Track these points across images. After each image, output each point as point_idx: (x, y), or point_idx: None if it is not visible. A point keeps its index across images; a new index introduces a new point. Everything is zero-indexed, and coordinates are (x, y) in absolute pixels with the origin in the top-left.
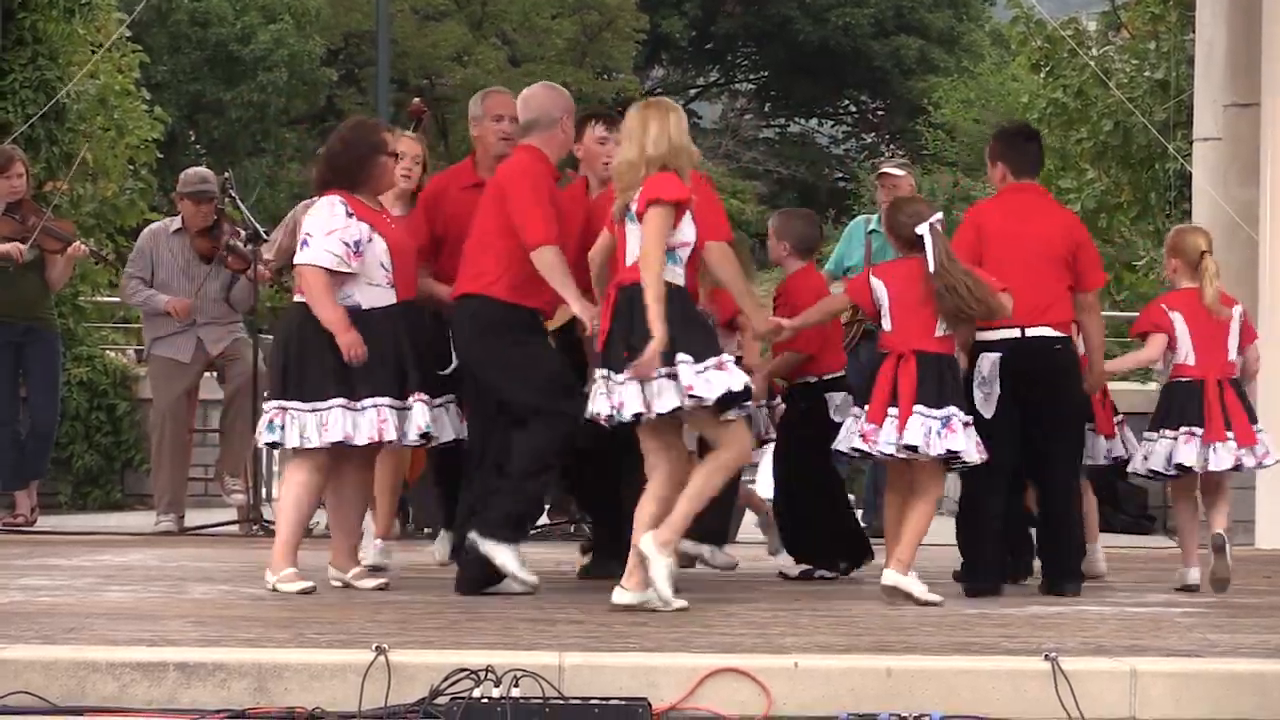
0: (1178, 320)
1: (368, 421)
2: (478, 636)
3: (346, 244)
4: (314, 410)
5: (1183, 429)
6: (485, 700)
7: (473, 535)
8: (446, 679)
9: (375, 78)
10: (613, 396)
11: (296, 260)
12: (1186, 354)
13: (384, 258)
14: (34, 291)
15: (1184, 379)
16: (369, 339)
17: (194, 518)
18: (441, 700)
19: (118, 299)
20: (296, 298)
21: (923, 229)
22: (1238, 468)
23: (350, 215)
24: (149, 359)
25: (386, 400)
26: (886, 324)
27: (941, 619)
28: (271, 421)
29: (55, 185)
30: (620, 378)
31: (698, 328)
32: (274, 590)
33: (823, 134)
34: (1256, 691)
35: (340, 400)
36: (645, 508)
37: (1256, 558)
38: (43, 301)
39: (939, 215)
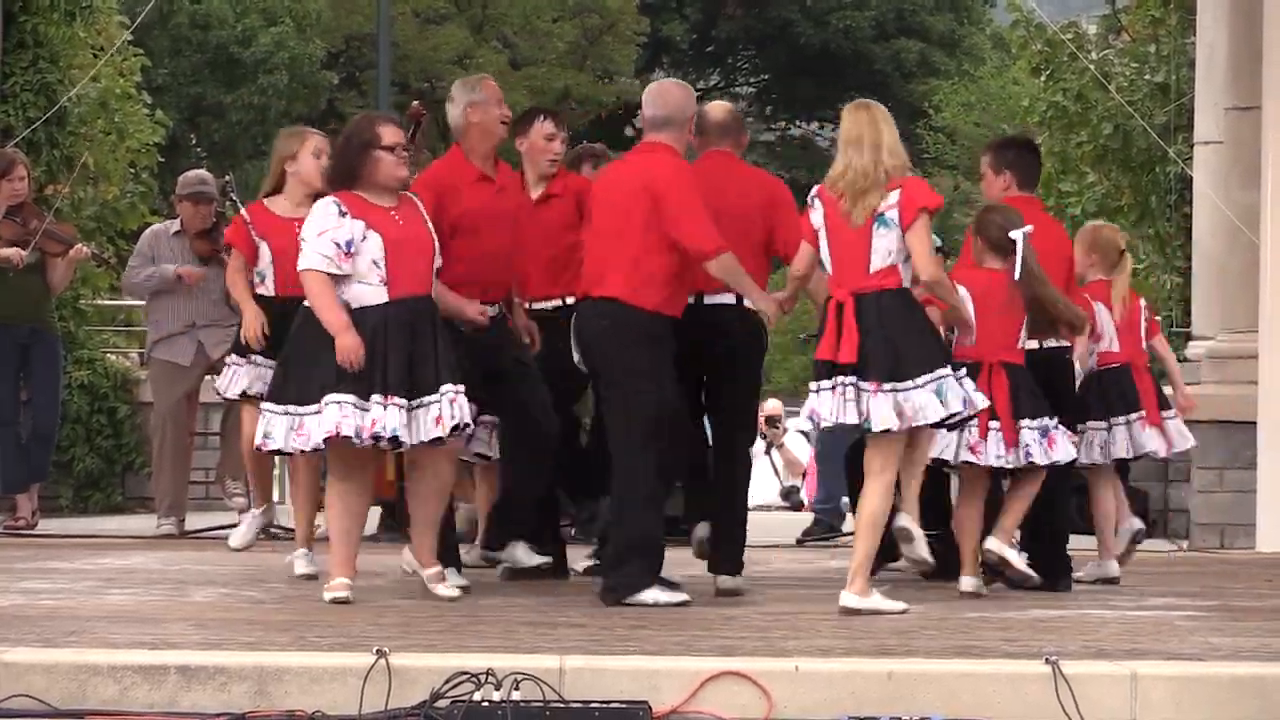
0: (1100, 309)
1: (327, 419)
2: (478, 639)
3: (337, 244)
4: (286, 414)
5: (1114, 419)
6: (486, 703)
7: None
8: (447, 682)
9: (376, 81)
10: (861, 405)
11: (299, 265)
12: (1111, 340)
13: (377, 254)
14: (35, 294)
15: (1112, 365)
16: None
17: (195, 521)
18: (442, 703)
19: (119, 302)
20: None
21: (1016, 234)
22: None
23: (344, 214)
24: (149, 362)
25: (351, 398)
26: None
27: (942, 622)
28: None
29: (56, 188)
30: (868, 386)
31: (938, 339)
32: (332, 601)
33: (824, 137)
34: (1258, 695)
35: (314, 407)
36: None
37: (1257, 561)
38: (44, 304)
39: (1030, 228)
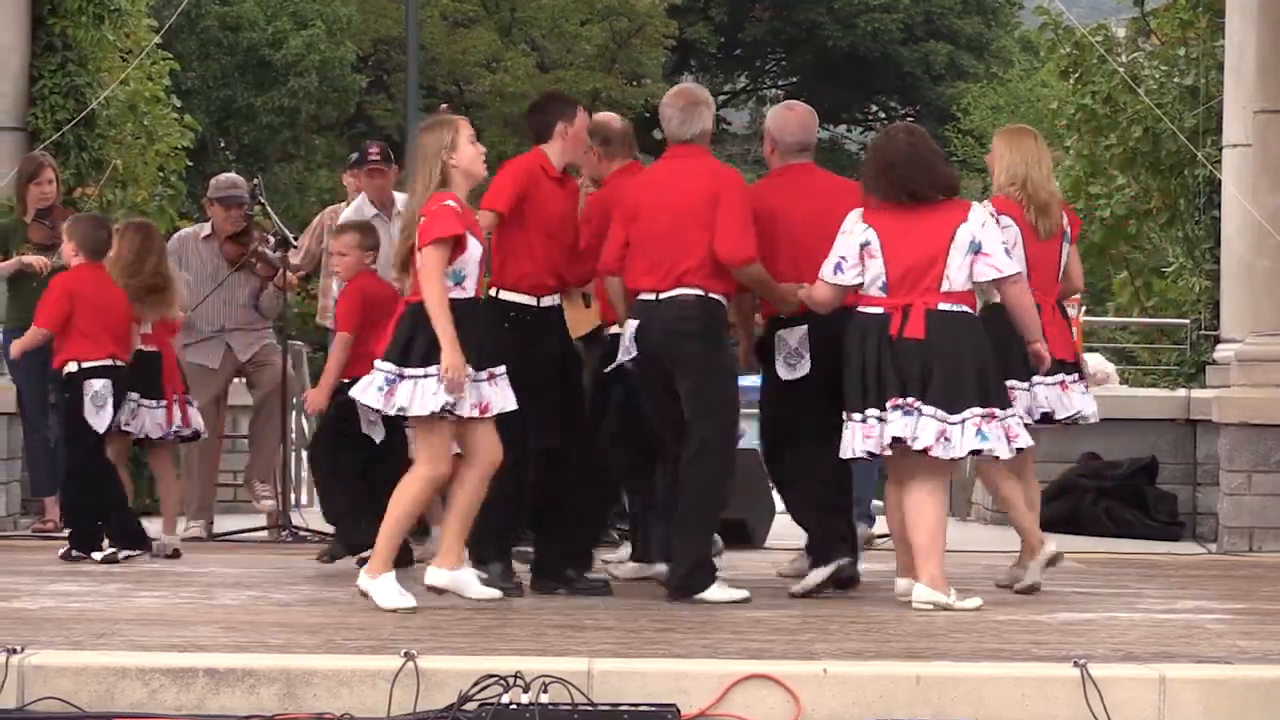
0: None
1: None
2: (507, 642)
3: None
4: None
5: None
6: (514, 706)
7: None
8: (475, 685)
9: (405, 84)
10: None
11: (1012, 269)
12: None
13: None
14: None
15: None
16: None
17: (223, 524)
18: (470, 706)
19: None
20: (952, 305)
21: None
22: None
23: None
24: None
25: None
26: None
27: (971, 625)
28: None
29: (85, 191)
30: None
31: None
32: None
33: (851, 140)
34: None
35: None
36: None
37: None
38: None
39: None
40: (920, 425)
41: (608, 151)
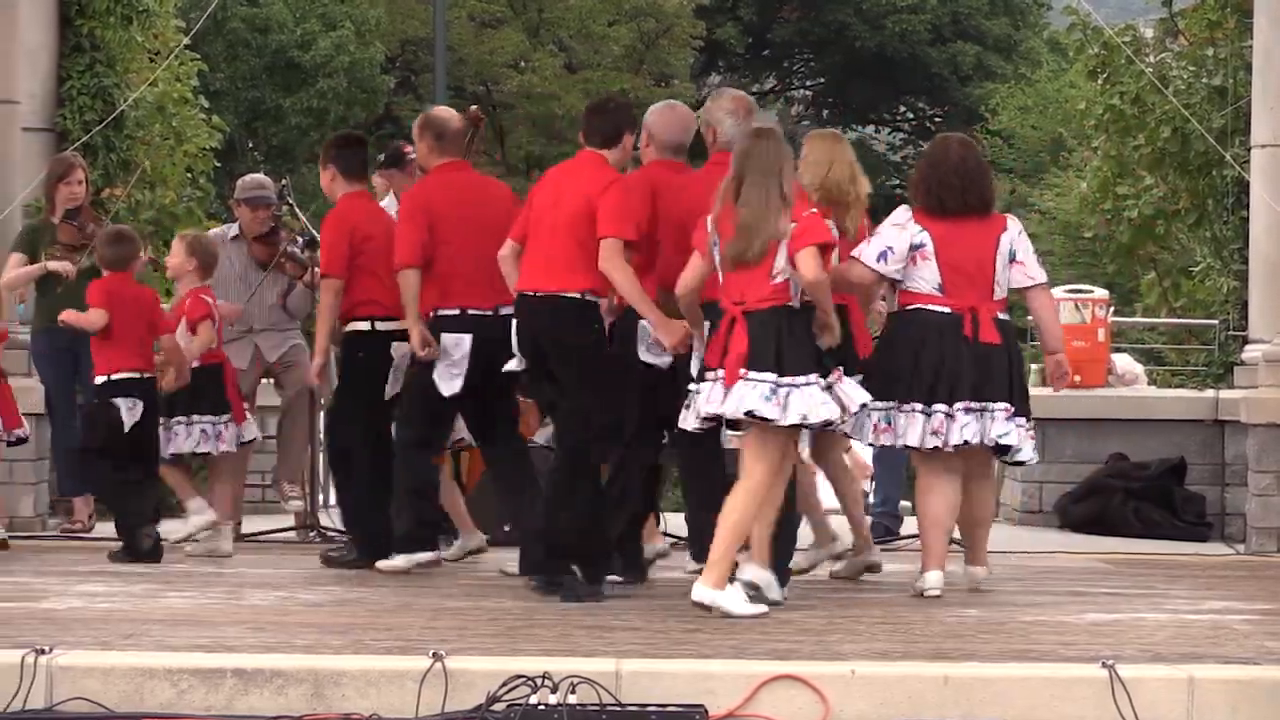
0: None
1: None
2: (535, 643)
3: None
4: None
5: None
6: (542, 707)
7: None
8: (504, 685)
9: (433, 84)
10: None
11: (1043, 278)
12: None
13: None
14: None
15: None
16: None
17: (251, 524)
18: (499, 707)
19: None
20: (1003, 313)
21: None
22: None
23: None
24: None
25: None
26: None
27: (999, 626)
28: None
29: (113, 192)
30: None
31: None
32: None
33: (879, 140)
34: None
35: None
36: None
37: None
38: None
39: None
40: (1005, 426)
41: (440, 146)
